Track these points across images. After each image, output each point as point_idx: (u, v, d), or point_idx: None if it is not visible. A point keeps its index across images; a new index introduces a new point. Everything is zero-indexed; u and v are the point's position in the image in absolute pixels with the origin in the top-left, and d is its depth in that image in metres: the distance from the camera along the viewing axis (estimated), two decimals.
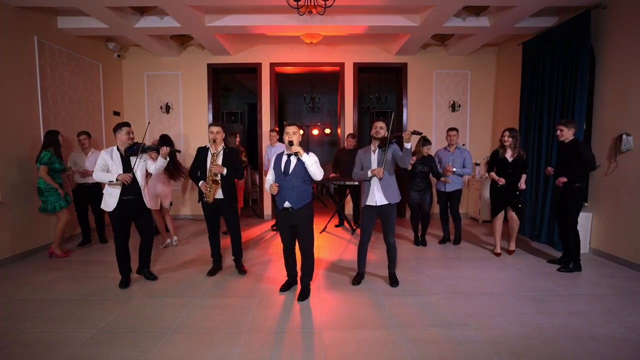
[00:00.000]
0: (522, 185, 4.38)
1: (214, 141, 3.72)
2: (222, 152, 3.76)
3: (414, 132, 3.31)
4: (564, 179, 3.91)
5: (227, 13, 5.21)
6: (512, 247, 4.67)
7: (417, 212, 5.02)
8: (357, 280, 3.68)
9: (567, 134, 3.93)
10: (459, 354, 2.45)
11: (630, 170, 4.06)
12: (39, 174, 4.30)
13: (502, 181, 4.35)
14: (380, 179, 3.42)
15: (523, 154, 4.39)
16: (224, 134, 3.80)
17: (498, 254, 4.61)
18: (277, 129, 6.12)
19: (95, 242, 5.24)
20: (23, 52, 4.62)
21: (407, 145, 3.28)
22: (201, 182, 3.77)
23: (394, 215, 3.54)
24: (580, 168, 3.84)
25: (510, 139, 4.35)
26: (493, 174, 4.50)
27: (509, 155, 4.41)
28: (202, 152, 3.83)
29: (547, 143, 5.11)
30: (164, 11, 4.92)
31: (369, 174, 3.44)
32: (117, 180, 3.37)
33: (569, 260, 4.04)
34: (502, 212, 4.53)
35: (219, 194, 3.77)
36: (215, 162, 3.71)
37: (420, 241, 5.10)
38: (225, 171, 3.70)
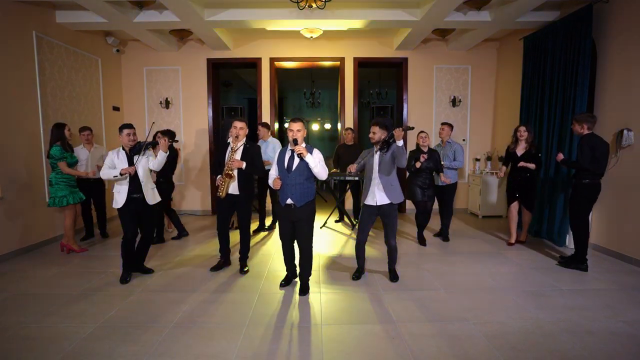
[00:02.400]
0: (521, 163, 4.46)
1: (237, 137, 3.65)
2: (242, 147, 3.71)
3: (407, 128, 3.29)
4: (560, 156, 3.96)
5: (227, 7, 5.17)
6: (522, 237, 4.87)
7: (424, 210, 4.87)
8: (357, 275, 3.69)
9: (577, 129, 3.87)
10: (458, 349, 2.46)
11: (631, 165, 4.05)
12: (59, 169, 4.24)
13: (527, 164, 4.47)
14: (350, 173, 3.50)
15: (534, 147, 4.49)
16: (247, 130, 3.74)
17: (511, 244, 4.77)
18: (267, 123, 5.84)
19: (97, 238, 5.25)
20: (22, 47, 4.60)
21: (399, 143, 3.20)
22: (218, 176, 3.72)
23: (395, 215, 3.50)
24: (574, 162, 3.85)
25: (527, 134, 4.50)
26: (503, 167, 4.79)
27: (519, 149, 4.54)
28: (224, 146, 3.78)
29: (547, 138, 5.10)
30: (163, 5, 4.89)
31: (348, 168, 3.50)
32: (120, 174, 3.44)
33: (581, 259, 3.93)
34: (516, 203, 4.70)
35: (235, 190, 3.71)
36: (234, 156, 3.65)
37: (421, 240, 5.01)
38: (244, 166, 3.64)
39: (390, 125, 3.45)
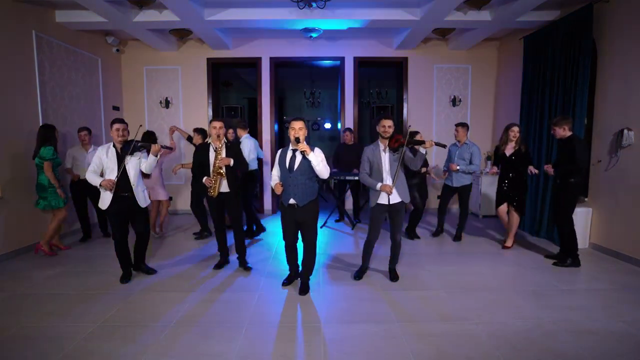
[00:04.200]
0: (531, 169, 4.28)
1: (218, 136, 3.72)
2: (224, 145, 3.78)
3: (437, 144, 3.32)
4: (550, 170, 3.95)
5: (227, 7, 5.16)
6: (509, 243, 4.64)
7: (422, 210, 4.99)
8: (360, 275, 3.67)
9: (559, 132, 3.90)
10: (458, 349, 2.46)
11: (631, 165, 4.05)
12: (44, 171, 4.19)
13: (494, 171, 4.66)
14: (390, 194, 3.33)
15: (524, 147, 4.39)
16: (225, 129, 3.84)
17: (507, 247, 4.65)
18: (241, 121, 5.49)
19: (96, 237, 5.23)
20: (21, 47, 4.59)
21: (423, 151, 3.29)
22: (205, 177, 3.74)
23: (404, 212, 3.53)
24: (569, 165, 3.83)
25: (519, 134, 4.41)
26: (494, 167, 4.66)
27: (507, 149, 4.46)
28: (203, 148, 3.82)
29: (547, 138, 5.09)
30: (162, 5, 4.88)
31: (378, 187, 3.33)
32: (100, 186, 3.38)
33: (566, 256, 4.02)
34: (505, 206, 4.57)
35: (225, 188, 3.77)
36: (220, 154, 3.72)
37: (412, 234, 5.12)
38: (232, 162, 3.70)
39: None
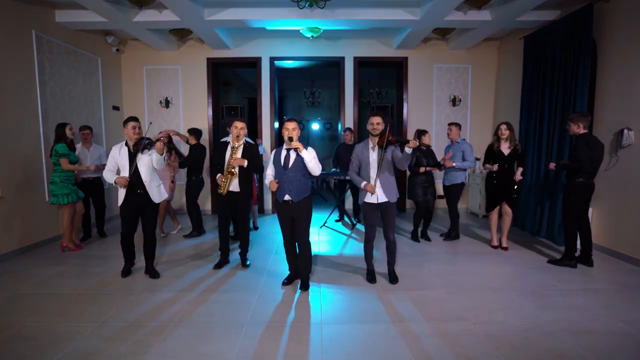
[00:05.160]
0: (517, 176, 4.34)
1: (238, 136, 3.75)
2: (242, 146, 3.81)
3: (421, 145, 3.29)
4: (552, 166, 4.00)
5: (227, 7, 5.16)
6: (504, 243, 4.62)
7: (424, 209, 4.95)
8: (371, 278, 3.59)
9: (574, 129, 3.87)
10: (458, 349, 2.46)
11: (631, 165, 4.05)
12: (61, 167, 4.31)
13: (494, 168, 4.41)
14: (372, 194, 3.39)
15: (519, 146, 4.38)
16: (246, 130, 3.87)
17: (495, 247, 4.66)
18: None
19: (96, 237, 5.23)
20: (21, 47, 4.59)
21: (408, 151, 3.22)
22: (218, 174, 3.81)
23: (394, 210, 3.52)
24: (568, 162, 3.83)
25: (508, 132, 4.38)
26: (488, 165, 4.52)
27: (504, 148, 4.42)
28: (222, 146, 3.88)
29: (547, 138, 5.09)
30: (162, 5, 4.89)
31: (362, 185, 3.42)
32: (115, 183, 3.47)
33: (565, 256, 4.00)
34: (498, 208, 4.55)
35: (236, 187, 3.81)
36: (235, 154, 3.75)
37: (422, 236, 5.09)
38: (246, 163, 3.74)
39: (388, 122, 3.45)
